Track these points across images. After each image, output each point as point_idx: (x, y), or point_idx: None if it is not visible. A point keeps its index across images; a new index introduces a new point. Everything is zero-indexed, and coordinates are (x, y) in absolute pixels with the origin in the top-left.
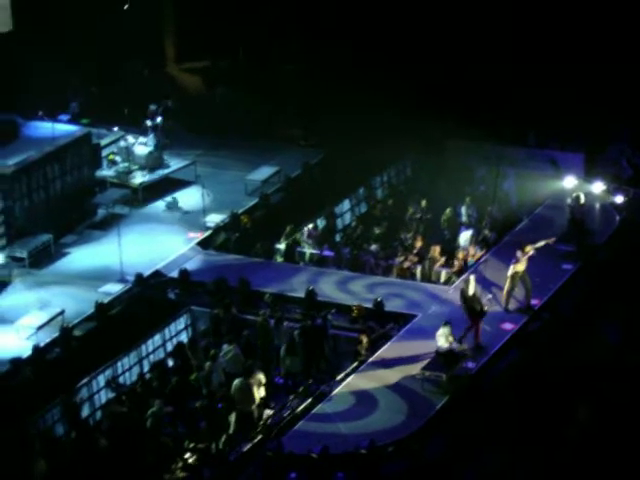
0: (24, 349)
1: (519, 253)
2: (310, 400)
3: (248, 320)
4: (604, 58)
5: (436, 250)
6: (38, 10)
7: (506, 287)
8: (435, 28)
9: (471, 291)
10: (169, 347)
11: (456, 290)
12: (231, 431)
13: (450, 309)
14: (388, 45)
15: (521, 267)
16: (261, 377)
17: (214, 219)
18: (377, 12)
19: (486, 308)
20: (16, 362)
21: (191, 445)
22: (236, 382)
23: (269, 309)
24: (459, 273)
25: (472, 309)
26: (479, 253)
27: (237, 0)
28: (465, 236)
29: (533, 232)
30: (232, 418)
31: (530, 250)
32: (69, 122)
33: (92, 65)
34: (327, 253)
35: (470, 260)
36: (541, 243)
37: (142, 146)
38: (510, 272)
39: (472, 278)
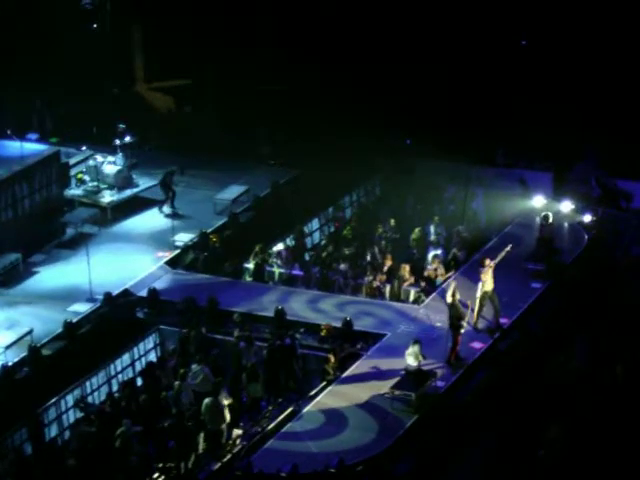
0: None
1: (481, 269)
2: (280, 419)
3: (217, 340)
4: (572, 78)
5: (405, 269)
6: (5, 27)
7: (476, 307)
8: (404, 48)
9: (449, 299)
10: (138, 366)
11: (426, 309)
12: (200, 450)
13: (419, 328)
14: (357, 66)
15: (489, 287)
16: (226, 398)
17: (183, 238)
18: (345, 33)
19: (464, 323)
20: None
21: (160, 465)
22: (206, 401)
23: (239, 329)
24: (427, 292)
25: (451, 320)
26: (446, 272)
27: (207, 20)
28: (433, 256)
29: (502, 251)
30: (201, 437)
31: (489, 263)
32: (38, 141)
33: (60, 84)
34: (296, 272)
35: (438, 279)
36: (501, 255)
37: (111, 165)
38: (478, 293)
39: (453, 285)
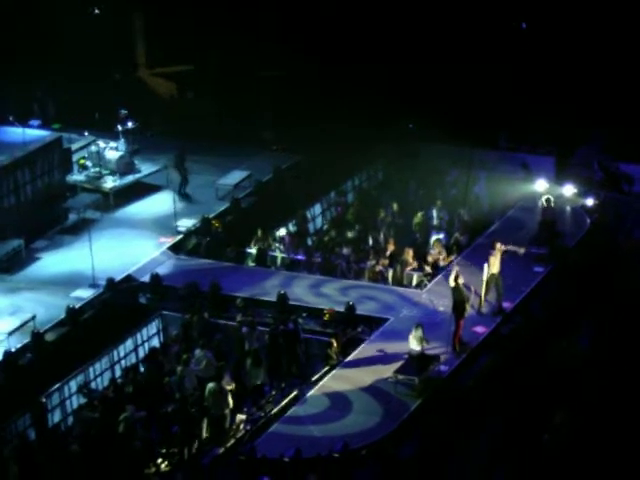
0: None
1: (491, 252)
2: (283, 403)
3: (220, 325)
4: (575, 62)
5: (409, 253)
6: (6, 14)
7: (482, 290)
8: (405, 32)
9: (452, 283)
10: (141, 352)
11: (429, 293)
12: (204, 436)
13: (422, 312)
14: (359, 49)
15: (495, 269)
16: (229, 383)
17: (185, 224)
18: (348, 19)
19: (468, 307)
20: None
21: (164, 450)
22: (210, 386)
23: (241, 314)
24: (430, 276)
25: (454, 304)
26: (449, 256)
27: (209, 5)
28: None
29: (504, 234)
30: (205, 423)
31: (500, 247)
32: (40, 127)
33: (62, 70)
34: (300, 257)
35: (441, 263)
36: (512, 247)
37: (113, 151)
38: (485, 275)
39: (455, 269)
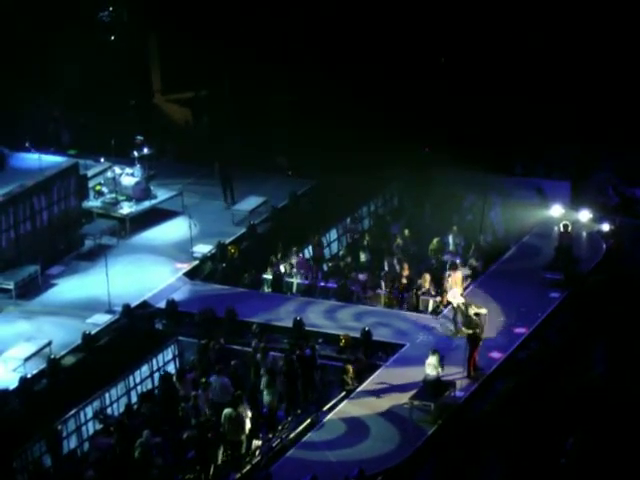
0: (11, 381)
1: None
2: (299, 429)
3: (236, 350)
4: (589, 87)
5: (426, 278)
6: (25, 42)
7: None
8: (423, 59)
9: (461, 304)
10: (157, 378)
11: (445, 319)
12: (220, 461)
13: (438, 338)
14: (374, 76)
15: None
16: (246, 410)
17: (201, 249)
18: (361, 44)
19: (480, 332)
20: (3, 394)
21: (180, 476)
22: (226, 411)
23: (256, 341)
24: (446, 302)
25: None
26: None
27: (223, 32)
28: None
29: (520, 260)
30: (221, 448)
31: (455, 274)
32: (56, 153)
33: (78, 97)
34: (323, 284)
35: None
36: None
37: (129, 177)
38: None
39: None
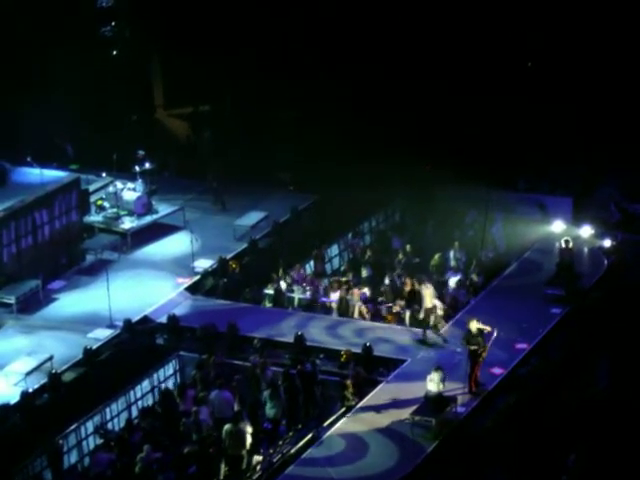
0: (12, 395)
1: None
2: (300, 445)
3: (237, 365)
4: (592, 104)
5: (427, 293)
6: (26, 57)
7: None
8: (424, 75)
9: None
10: (158, 393)
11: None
12: (221, 476)
13: (439, 354)
14: (376, 91)
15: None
16: (247, 426)
17: (202, 264)
18: (362, 59)
19: (481, 351)
20: (4, 408)
21: None
22: (227, 427)
23: (256, 355)
24: (447, 318)
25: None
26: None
27: (225, 47)
28: (453, 281)
29: (521, 276)
30: (222, 463)
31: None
32: (58, 168)
33: (79, 112)
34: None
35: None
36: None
37: (130, 192)
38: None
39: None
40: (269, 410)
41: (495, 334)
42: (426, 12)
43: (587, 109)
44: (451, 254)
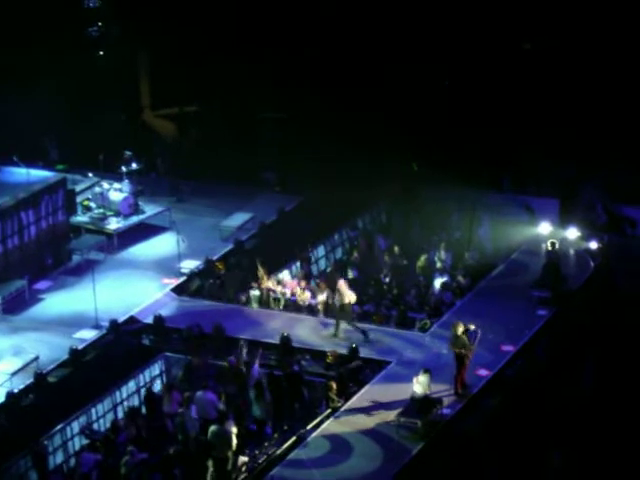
0: None
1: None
2: (285, 446)
3: (222, 366)
4: (579, 104)
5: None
6: (13, 56)
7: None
8: (411, 75)
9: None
10: (143, 394)
11: (432, 336)
12: (207, 478)
13: (425, 355)
14: (360, 92)
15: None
16: (232, 426)
17: (189, 265)
18: (347, 58)
19: (466, 352)
20: None
21: None
22: (212, 428)
23: (241, 356)
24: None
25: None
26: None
27: (212, 48)
28: (439, 283)
29: (508, 278)
30: (208, 464)
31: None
32: (44, 168)
33: (66, 111)
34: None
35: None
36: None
37: (117, 192)
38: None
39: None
40: (255, 411)
41: (480, 333)
42: (406, 15)
43: (575, 110)
44: (437, 255)
